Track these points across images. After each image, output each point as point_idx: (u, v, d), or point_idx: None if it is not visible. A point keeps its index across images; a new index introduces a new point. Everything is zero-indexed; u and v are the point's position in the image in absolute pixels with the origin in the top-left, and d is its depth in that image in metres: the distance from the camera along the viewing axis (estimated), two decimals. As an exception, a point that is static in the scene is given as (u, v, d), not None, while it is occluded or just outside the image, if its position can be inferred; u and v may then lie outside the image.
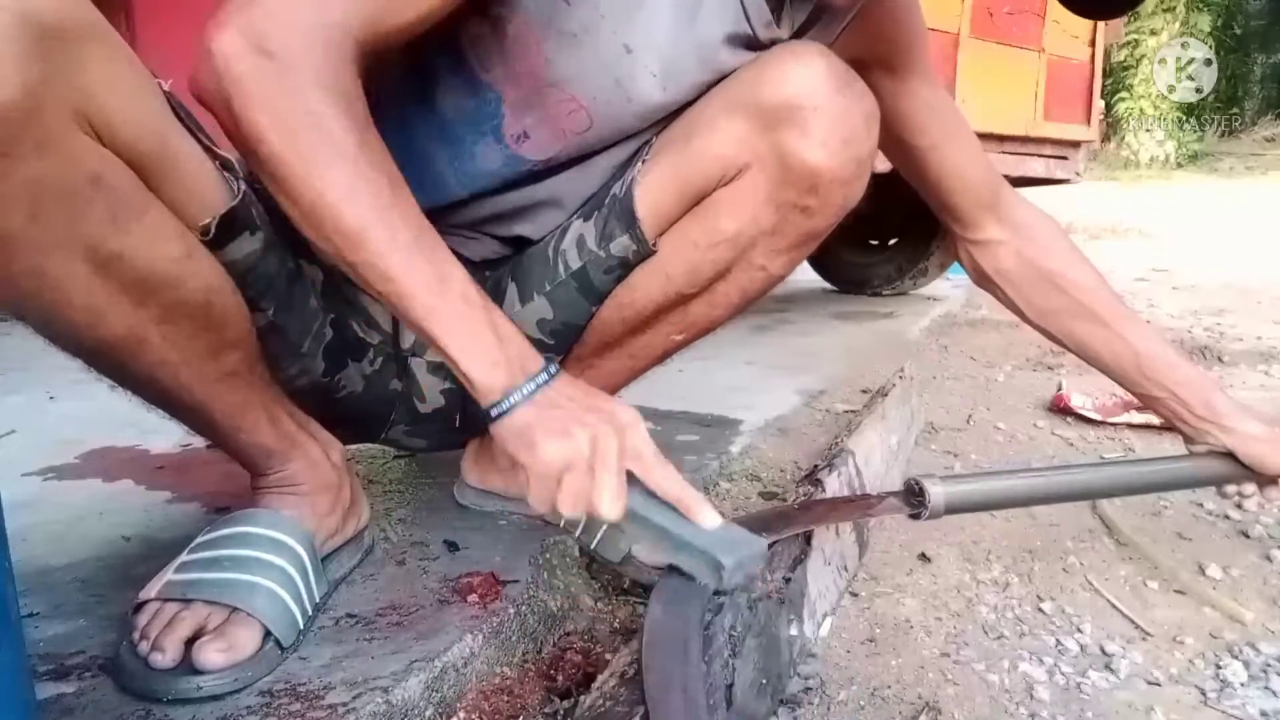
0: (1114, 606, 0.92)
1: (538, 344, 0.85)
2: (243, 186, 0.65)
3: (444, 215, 0.84)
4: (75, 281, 0.55)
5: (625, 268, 0.80)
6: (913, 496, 0.82)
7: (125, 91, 0.54)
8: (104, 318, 0.57)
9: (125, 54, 0.55)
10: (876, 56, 0.88)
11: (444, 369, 0.88)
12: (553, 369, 0.63)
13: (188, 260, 0.60)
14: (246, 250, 0.66)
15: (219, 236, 0.63)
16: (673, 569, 0.64)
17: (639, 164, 0.78)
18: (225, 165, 0.65)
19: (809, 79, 0.71)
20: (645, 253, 0.78)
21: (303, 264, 0.76)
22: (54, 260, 0.53)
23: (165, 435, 1.23)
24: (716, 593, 0.66)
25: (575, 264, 0.81)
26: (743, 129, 0.73)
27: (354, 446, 1.03)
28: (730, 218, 0.76)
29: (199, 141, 0.63)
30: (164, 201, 0.59)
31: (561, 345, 0.86)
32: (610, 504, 0.59)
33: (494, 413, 0.61)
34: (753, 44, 0.77)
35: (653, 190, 0.77)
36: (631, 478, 0.61)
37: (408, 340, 0.87)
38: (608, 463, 0.59)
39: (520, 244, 0.86)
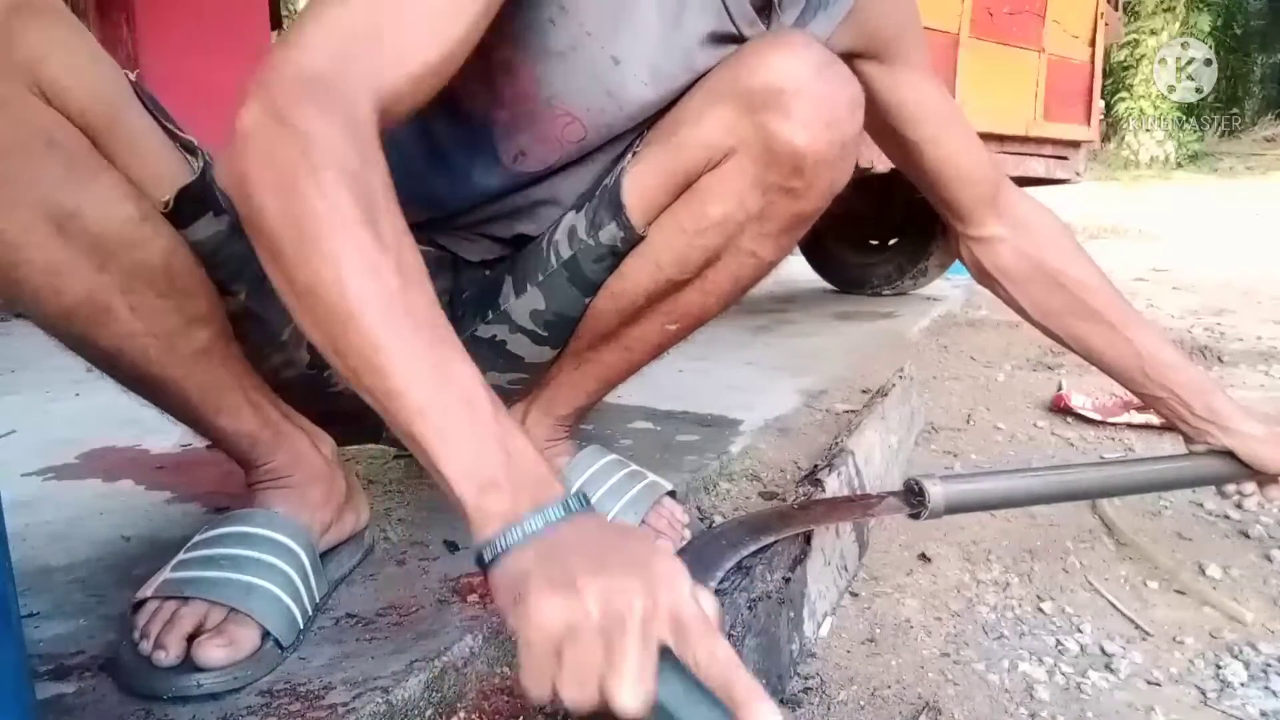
0: (1114, 606, 0.92)
1: (531, 335, 0.86)
2: (202, 165, 0.66)
3: (443, 221, 0.84)
4: (35, 240, 0.56)
5: (615, 256, 0.81)
6: (913, 496, 0.82)
7: (76, 63, 0.56)
8: (66, 281, 0.58)
9: (77, 29, 0.57)
10: (871, 49, 0.88)
11: None
12: (574, 503, 0.48)
13: (144, 223, 0.61)
14: (212, 230, 0.67)
15: (181, 214, 0.64)
16: None
17: (629, 155, 0.80)
18: (188, 148, 0.66)
19: (790, 63, 0.72)
20: (633, 239, 0.79)
21: None
22: (13, 220, 0.55)
23: (165, 435, 1.23)
24: None
25: (566, 254, 0.81)
26: (727, 115, 0.73)
27: (354, 447, 1.03)
28: (717, 202, 0.76)
29: (161, 125, 0.64)
30: (122, 175, 0.60)
31: (556, 338, 0.86)
32: (630, 689, 0.41)
33: (486, 554, 0.46)
34: (738, 41, 0.78)
35: (641, 179, 0.78)
36: (665, 654, 0.43)
37: None
38: (628, 629, 0.42)
39: (521, 242, 0.87)
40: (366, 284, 0.48)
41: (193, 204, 0.65)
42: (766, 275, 0.84)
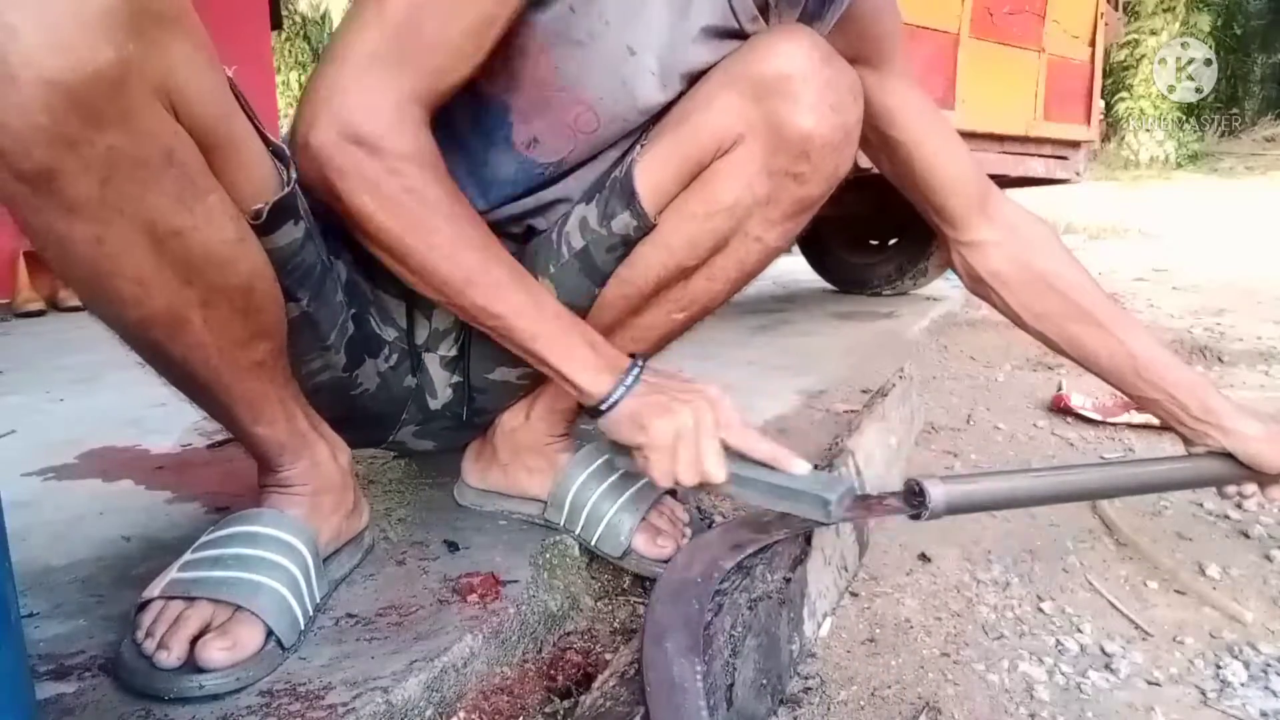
0: (1114, 606, 0.92)
1: None
2: (294, 175, 0.66)
3: None
4: (131, 253, 0.55)
5: (627, 245, 0.82)
6: (913, 496, 0.82)
7: (202, 74, 0.55)
8: (151, 293, 0.58)
9: (204, 38, 0.56)
10: (859, 54, 0.89)
11: (455, 364, 0.90)
12: (640, 362, 0.75)
13: (239, 245, 0.61)
14: (291, 238, 0.68)
15: (269, 222, 0.64)
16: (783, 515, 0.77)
17: (638, 147, 0.81)
18: (277, 154, 0.66)
19: (796, 52, 0.74)
20: (645, 227, 0.80)
21: (330, 258, 0.76)
22: (115, 229, 0.54)
23: (165, 435, 1.23)
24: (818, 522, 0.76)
25: (578, 245, 0.82)
26: (736, 102, 0.75)
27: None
28: (727, 188, 0.78)
29: (256, 129, 0.64)
30: (223, 184, 0.60)
31: None
32: (717, 468, 0.71)
33: (604, 408, 0.73)
34: (740, 38, 0.79)
35: (652, 168, 0.79)
36: (725, 445, 0.72)
37: (421, 336, 0.88)
38: (708, 432, 0.71)
39: (530, 235, 0.87)
40: (468, 256, 0.69)
41: (280, 213, 0.65)
42: (771, 262, 0.86)
